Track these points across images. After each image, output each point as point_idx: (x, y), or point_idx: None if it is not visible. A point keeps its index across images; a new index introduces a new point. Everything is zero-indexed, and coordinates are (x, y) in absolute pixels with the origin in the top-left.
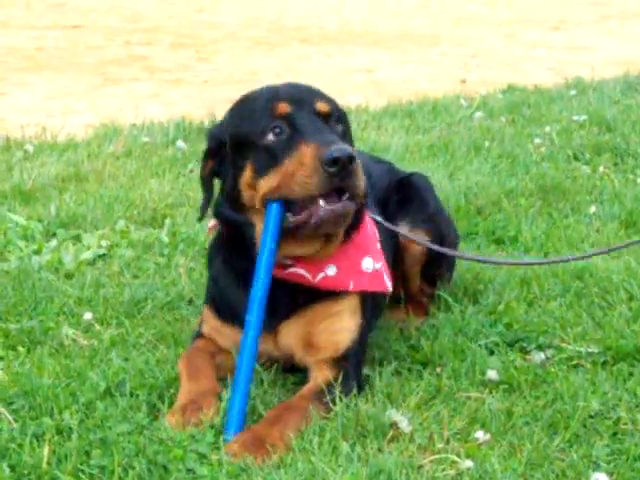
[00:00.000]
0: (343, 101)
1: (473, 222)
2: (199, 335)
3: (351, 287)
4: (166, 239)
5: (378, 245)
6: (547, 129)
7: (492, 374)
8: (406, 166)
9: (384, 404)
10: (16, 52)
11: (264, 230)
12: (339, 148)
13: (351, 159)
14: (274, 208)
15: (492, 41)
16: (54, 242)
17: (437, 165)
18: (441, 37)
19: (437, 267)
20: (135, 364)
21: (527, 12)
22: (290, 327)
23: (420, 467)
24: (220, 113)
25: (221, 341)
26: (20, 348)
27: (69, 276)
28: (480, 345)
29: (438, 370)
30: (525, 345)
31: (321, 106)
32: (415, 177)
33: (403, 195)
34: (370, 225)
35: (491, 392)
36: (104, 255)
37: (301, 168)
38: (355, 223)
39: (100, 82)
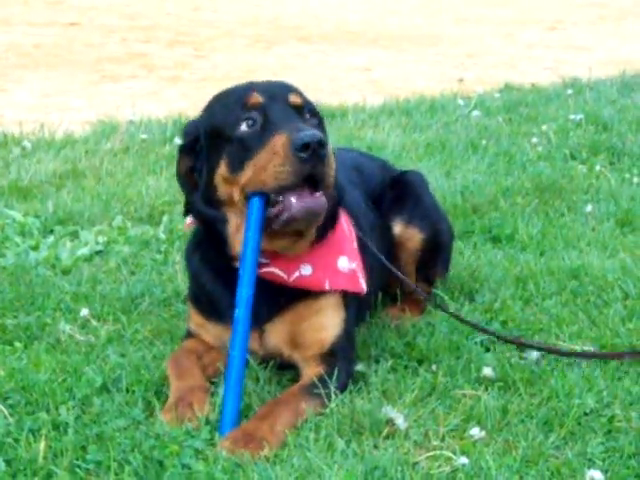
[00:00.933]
0: (340, 99)
1: (469, 220)
2: (188, 334)
3: (327, 287)
4: (163, 236)
5: (354, 244)
6: (544, 128)
7: (488, 371)
8: (403, 165)
9: (380, 401)
10: (14, 49)
11: (246, 224)
12: (309, 134)
13: (321, 144)
14: (255, 202)
15: (489, 41)
16: (51, 238)
17: (434, 164)
18: (439, 36)
19: (432, 264)
20: (131, 360)
21: (524, 12)
22: (275, 327)
23: (415, 464)
24: None
25: (207, 337)
26: (17, 343)
27: (66, 272)
28: (476, 342)
29: (434, 367)
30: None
31: (294, 98)
32: (410, 174)
33: (398, 192)
34: (346, 224)
35: (486, 389)
36: (101, 251)
37: (273, 157)
38: (329, 223)
39: (98, 79)
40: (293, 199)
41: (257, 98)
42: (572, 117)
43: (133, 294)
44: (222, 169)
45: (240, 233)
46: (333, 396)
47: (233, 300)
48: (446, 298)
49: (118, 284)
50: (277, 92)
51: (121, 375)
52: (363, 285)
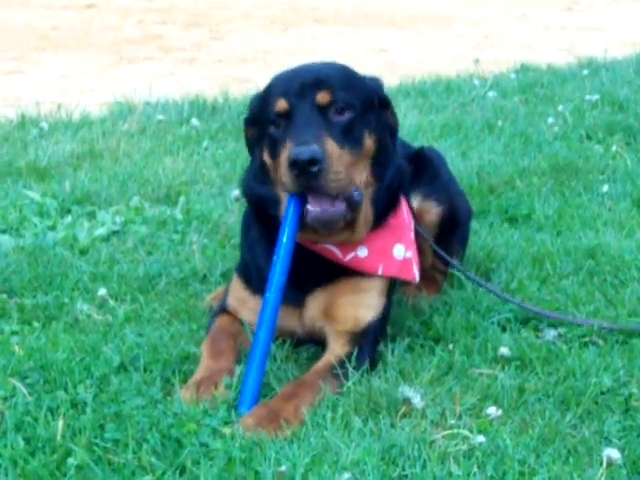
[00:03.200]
0: None
1: (486, 201)
2: (222, 310)
3: (380, 272)
4: (180, 216)
5: (412, 234)
6: (560, 108)
7: (504, 351)
8: (419, 145)
9: (397, 380)
10: (32, 31)
11: (282, 219)
12: (301, 150)
13: (313, 161)
14: (290, 203)
15: (505, 22)
16: (69, 218)
17: (450, 144)
18: (454, 17)
19: (450, 241)
20: (149, 339)
21: None
22: (316, 298)
23: (432, 442)
24: (234, 92)
25: (244, 313)
26: (35, 323)
27: (83, 252)
28: (492, 322)
29: (450, 346)
30: (537, 322)
31: (322, 97)
32: (427, 150)
33: (415, 167)
34: (406, 213)
35: (503, 368)
36: (118, 232)
37: (281, 167)
38: (386, 208)
39: (115, 61)
40: (309, 206)
41: (283, 105)
42: (588, 97)
43: (150, 274)
44: (265, 154)
45: None
46: (350, 375)
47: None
48: (463, 278)
49: (135, 264)
50: (307, 91)
51: (139, 354)
52: (416, 274)
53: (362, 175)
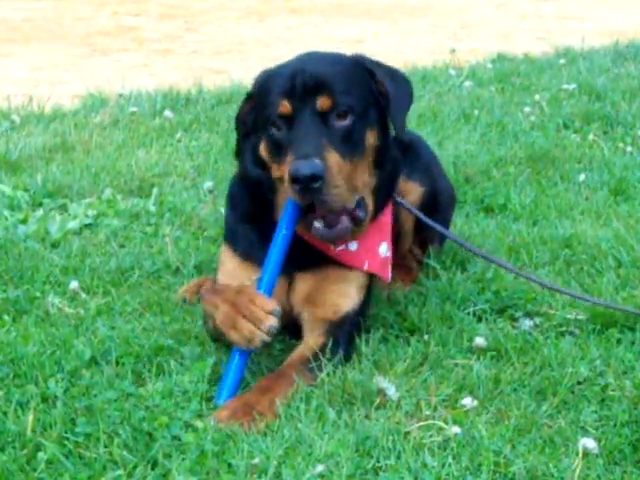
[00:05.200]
0: None
1: (462, 191)
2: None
3: (365, 267)
4: (153, 208)
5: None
6: (537, 98)
7: (480, 341)
8: None
9: (371, 371)
10: (3, 23)
11: (280, 219)
12: (301, 165)
13: (313, 177)
14: (288, 207)
15: (482, 11)
16: (40, 212)
17: (426, 134)
18: (431, 8)
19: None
20: (121, 332)
21: None
22: (303, 278)
23: (407, 434)
24: (208, 83)
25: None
26: (5, 317)
27: (55, 245)
28: (468, 312)
29: (425, 337)
30: (513, 312)
31: (322, 103)
32: (408, 133)
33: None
34: (389, 210)
35: (479, 359)
36: (90, 224)
37: (284, 175)
38: (384, 201)
39: (88, 53)
40: (316, 223)
41: (286, 107)
42: (565, 87)
43: (123, 267)
44: (263, 147)
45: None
46: (325, 367)
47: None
48: (438, 267)
49: (107, 257)
50: (308, 95)
51: (110, 347)
52: (389, 275)
53: (364, 176)
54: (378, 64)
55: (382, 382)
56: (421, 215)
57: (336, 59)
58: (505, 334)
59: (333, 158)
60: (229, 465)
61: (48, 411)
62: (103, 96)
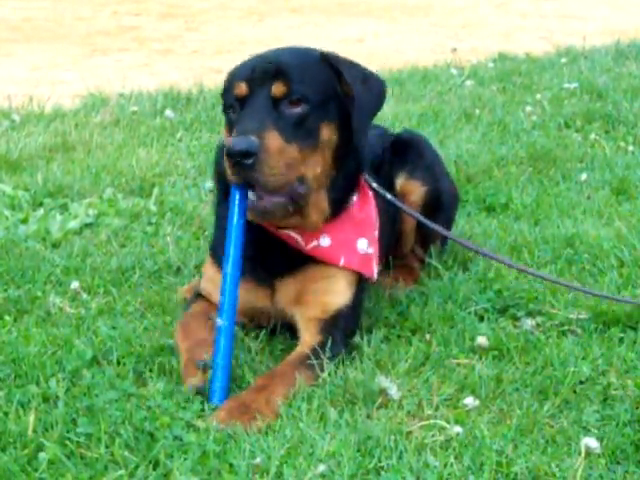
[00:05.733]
0: None
1: (463, 190)
2: (196, 296)
3: (341, 263)
4: (154, 208)
5: (376, 233)
6: (538, 97)
7: (482, 340)
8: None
9: (373, 371)
10: (3, 23)
11: (229, 209)
12: (237, 141)
13: (246, 153)
14: (233, 194)
15: (483, 11)
16: (41, 211)
17: (427, 133)
18: (431, 7)
19: (437, 220)
20: (122, 332)
21: None
22: (286, 284)
23: (409, 433)
24: (209, 83)
25: (215, 295)
26: (6, 317)
27: (56, 245)
28: (470, 312)
29: (427, 337)
30: (515, 312)
31: (276, 88)
32: (409, 132)
33: (400, 148)
34: (374, 210)
35: (481, 358)
36: (91, 224)
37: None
38: (345, 194)
39: (88, 53)
40: (250, 195)
41: (241, 89)
42: (566, 86)
43: (124, 267)
44: (223, 131)
45: None
46: (326, 366)
47: (255, 255)
48: (440, 267)
49: (108, 257)
50: (265, 80)
51: (112, 347)
52: (375, 272)
53: (316, 168)
54: (351, 65)
55: (384, 382)
56: (418, 215)
57: (303, 53)
58: (507, 333)
59: (273, 139)
60: (231, 465)
61: (49, 411)
62: (104, 96)
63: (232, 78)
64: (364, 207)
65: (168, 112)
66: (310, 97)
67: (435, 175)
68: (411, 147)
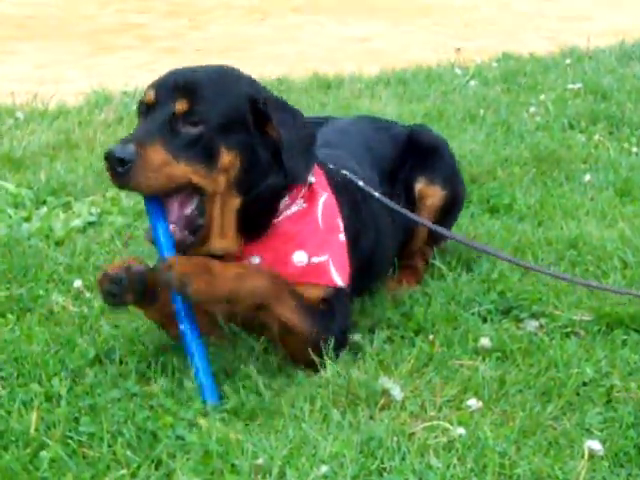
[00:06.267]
0: (337, 70)
1: (467, 191)
2: None
3: None
4: None
5: (332, 237)
6: (542, 98)
7: (485, 342)
8: None
9: (376, 371)
10: (7, 20)
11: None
12: (115, 147)
13: (120, 161)
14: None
15: (487, 11)
16: (44, 209)
17: None
18: (435, 7)
19: (443, 222)
20: (125, 331)
21: None
22: None
23: (412, 435)
24: None
25: None
26: (9, 315)
27: (59, 243)
28: (473, 313)
29: (431, 338)
30: (518, 313)
31: (179, 105)
32: (426, 131)
33: (418, 153)
34: (326, 216)
35: (484, 360)
36: (94, 222)
37: None
38: (260, 220)
39: (92, 51)
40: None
41: (149, 97)
42: (571, 86)
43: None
44: None
45: None
46: (329, 366)
47: None
48: (444, 268)
49: (112, 255)
50: (171, 94)
51: (114, 346)
52: (336, 279)
53: (215, 191)
54: (279, 107)
55: (387, 382)
56: (407, 212)
57: (224, 77)
58: (510, 335)
59: (154, 152)
60: (233, 465)
61: (52, 410)
62: (107, 94)
63: (148, 85)
64: (304, 219)
65: None
66: (211, 121)
67: (453, 179)
68: (431, 151)
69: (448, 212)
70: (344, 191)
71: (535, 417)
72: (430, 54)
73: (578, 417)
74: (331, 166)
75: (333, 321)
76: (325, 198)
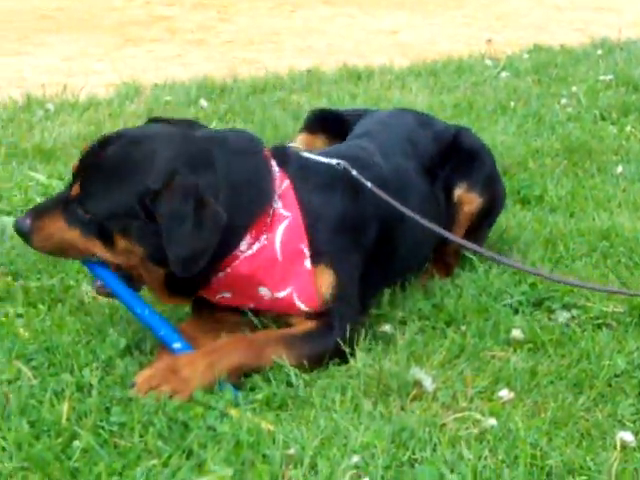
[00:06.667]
0: (367, 62)
1: None
2: None
3: (251, 306)
4: None
5: (299, 264)
6: (574, 89)
7: (517, 333)
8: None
9: (407, 362)
10: (36, 12)
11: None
12: (17, 220)
13: (19, 233)
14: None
15: (517, 2)
16: None
17: (462, 125)
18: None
19: (479, 230)
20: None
21: None
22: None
23: (443, 425)
24: (242, 74)
25: None
26: (40, 306)
27: None
28: (504, 305)
29: (462, 329)
30: (550, 305)
31: (74, 190)
32: (470, 136)
33: (460, 158)
34: (280, 248)
35: (515, 351)
36: None
37: None
38: (192, 282)
39: (120, 43)
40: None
41: (74, 167)
42: (602, 78)
43: None
44: None
45: None
46: (359, 357)
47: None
48: (475, 259)
49: None
50: (74, 173)
51: (145, 337)
52: (300, 306)
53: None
54: (174, 197)
55: (418, 373)
56: (454, 238)
57: (130, 168)
58: (542, 326)
59: (54, 225)
60: (264, 456)
61: (83, 400)
62: (137, 85)
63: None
64: (260, 255)
65: (202, 102)
66: (99, 213)
67: (493, 186)
68: (473, 157)
69: (485, 217)
70: (341, 183)
71: (567, 408)
72: (460, 46)
73: (610, 408)
74: (335, 161)
75: (331, 332)
76: (286, 224)
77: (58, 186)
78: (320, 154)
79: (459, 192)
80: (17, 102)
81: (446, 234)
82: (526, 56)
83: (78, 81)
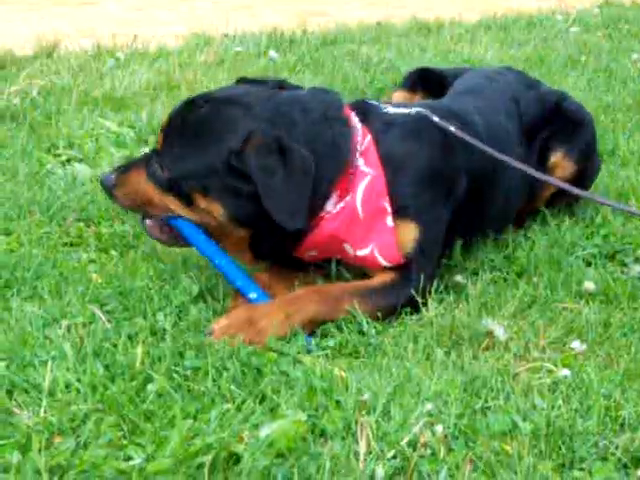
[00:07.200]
0: (434, 14)
1: None
2: None
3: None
4: None
5: (380, 221)
6: None
7: (589, 285)
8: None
9: (479, 312)
10: None
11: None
12: (103, 174)
13: (103, 186)
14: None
15: None
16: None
17: None
18: None
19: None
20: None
21: None
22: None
23: (516, 375)
24: (311, 25)
25: None
26: (112, 251)
27: None
28: (577, 257)
29: (534, 280)
30: (623, 258)
31: (157, 144)
32: (575, 106)
33: (561, 124)
34: (361, 206)
35: (587, 303)
36: None
37: None
38: (264, 253)
39: None
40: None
41: (162, 125)
42: None
43: None
44: None
45: None
46: (431, 306)
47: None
48: (547, 213)
49: None
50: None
51: (217, 284)
52: (382, 262)
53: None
54: (261, 153)
55: (490, 324)
56: (510, 160)
57: (215, 128)
58: (614, 279)
59: (136, 180)
60: (337, 402)
61: (156, 344)
62: (207, 36)
63: None
64: (342, 214)
65: (272, 53)
66: (174, 170)
67: (589, 157)
68: (576, 125)
69: (576, 183)
70: (426, 134)
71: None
72: (531, 2)
73: None
74: (415, 110)
75: (408, 285)
76: (367, 181)
77: (128, 134)
78: (403, 107)
79: (555, 157)
80: (87, 51)
81: (550, 180)
82: (596, 11)
83: (147, 31)
